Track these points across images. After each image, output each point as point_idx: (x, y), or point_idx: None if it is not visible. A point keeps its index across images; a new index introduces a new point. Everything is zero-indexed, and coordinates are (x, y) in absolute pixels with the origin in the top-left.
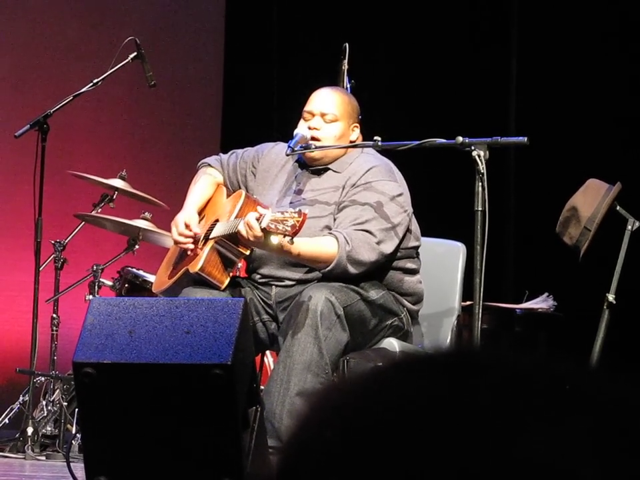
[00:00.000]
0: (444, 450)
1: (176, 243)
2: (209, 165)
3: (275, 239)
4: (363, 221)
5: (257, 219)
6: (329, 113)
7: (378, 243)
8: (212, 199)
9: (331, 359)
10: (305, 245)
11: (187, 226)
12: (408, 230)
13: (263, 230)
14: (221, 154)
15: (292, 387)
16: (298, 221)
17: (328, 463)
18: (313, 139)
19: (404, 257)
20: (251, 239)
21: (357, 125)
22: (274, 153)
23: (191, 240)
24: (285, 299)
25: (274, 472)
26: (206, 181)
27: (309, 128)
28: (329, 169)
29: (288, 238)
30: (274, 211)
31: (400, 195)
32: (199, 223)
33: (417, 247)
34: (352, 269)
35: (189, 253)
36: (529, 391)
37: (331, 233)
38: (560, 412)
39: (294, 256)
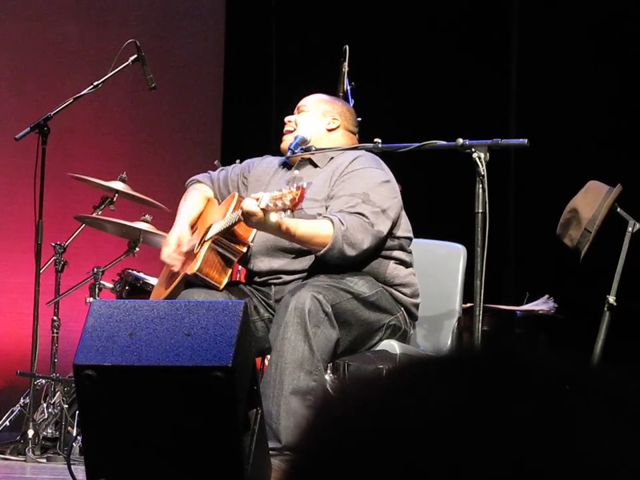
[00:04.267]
0: (499, 454)
1: (165, 261)
2: (198, 181)
3: (274, 217)
4: (354, 204)
5: (256, 201)
6: (301, 105)
7: (371, 225)
8: (203, 213)
9: (322, 356)
10: (302, 226)
11: (179, 245)
12: (399, 220)
13: (263, 210)
14: (209, 171)
15: (285, 387)
16: (297, 195)
17: (347, 471)
18: (285, 132)
19: (396, 247)
20: (252, 220)
21: (338, 120)
22: (265, 163)
23: (180, 261)
24: (284, 295)
25: (280, 474)
26: (196, 196)
27: (286, 123)
28: (310, 161)
29: (289, 212)
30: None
31: (387, 181)
32: (191, 235)
33: (409, 239)
34: (348, 250)
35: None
36: (576, 392)
37: (325, 216)
38: (603, 410)
39: (292, 235)
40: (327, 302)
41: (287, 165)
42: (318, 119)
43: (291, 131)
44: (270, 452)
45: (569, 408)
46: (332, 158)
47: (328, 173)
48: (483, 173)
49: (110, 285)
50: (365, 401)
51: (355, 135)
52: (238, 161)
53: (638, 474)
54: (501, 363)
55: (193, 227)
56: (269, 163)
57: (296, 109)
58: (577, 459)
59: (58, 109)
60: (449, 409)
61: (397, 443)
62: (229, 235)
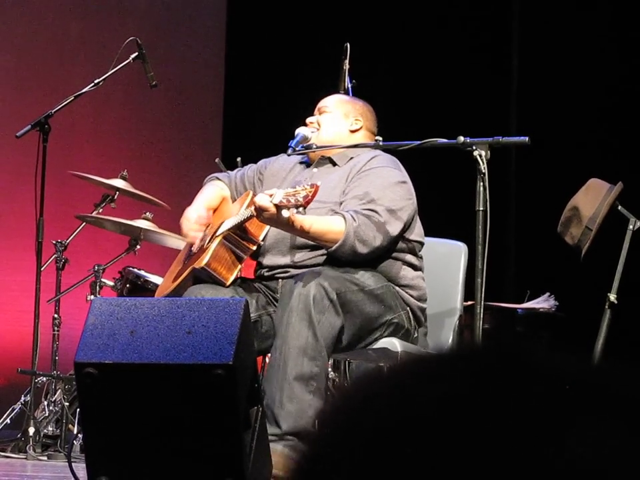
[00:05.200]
0: (490, 446)
1: (188, 235)
2: (217, 177)
3: (286, 213)
4: (369, 200)
5: (269, 197)
6: (322, 106)
7: (383, 224)
8: (217, 210)
9: (326, 342)
10: (314, 221)
11: (199, 217)
12: (412, 224)
13: (276, 206)
14: (228, 171)
15: (289, 372)
16: (310, 192)
17: (358, 466)
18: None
19: (408, 250)
20: (265, 215)
21: (360, 120)
22: (282, 160)
23: (201, 233)
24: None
25: (276, 458)
26: (212, 191)
27: (309, 124)
28: (330, 160)
29: (301, 208)
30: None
31: (404, 182)
32: (205, 230)
33: (420, 243)
34: (360, 247)
35: (194, 250)
36: (572, 390)
37: (337, 213)
38: (605, 410)
39: (304, 232)
40: (332, 289)
41: (305, 163)
42: (340, 119)
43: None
44: (270, 437)
45: (564, 405)
46: (352, 158)
47: (345, 170)
48: (483, 171)
49: (111, 283)
50: (369, 398)
51: (375, 135)
52: (239, 159)
53: (633, 474)
54: (500, 359)
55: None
56: (286, 160)
57: (317, 109)
58: (566, 455)
59: (59, 107)
60: (448, 403)
61: (397, 438)
62: (240, 231)
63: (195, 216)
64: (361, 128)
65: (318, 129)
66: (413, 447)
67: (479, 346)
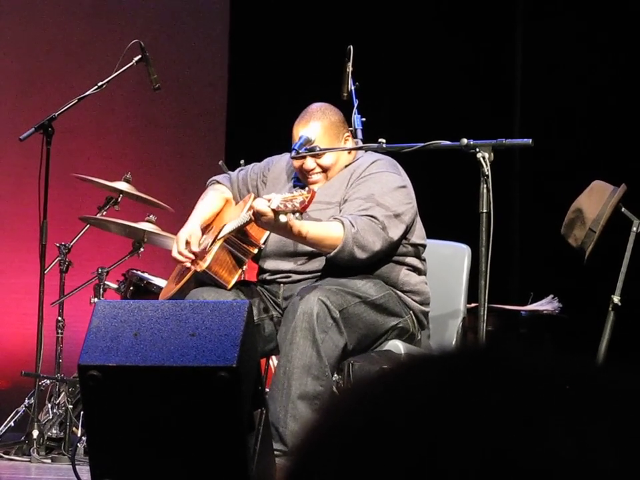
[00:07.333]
0: (461, 450)
1: (174, 260)
2: (217, 181)
3: (283, 218)
4: (367, 207)
5: (267, 202)
6: (318, 152)
7: (382, 229)
8: (220, 212)
9: (330, 361)
10: (312, 227)
11: (188, 243)
12: (413, 226)
13: (273, 210)
14: (230, 172)
15: (293, 392)
16: (307, 197)
17: (339, 469)
18: (311, 182)
19: (410, 254)
20: (263, 220)
21: (347, 132)
22: (284, 161)
23: (189, 259)
24: (292, 294)
25: (280, 475)
26: (213, 196)
27: (306, 171)
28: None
29: (297, 214)
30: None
31: (403, 187)
32: (207, 233)
33: (423, 246)
34: (358, 253)
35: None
36: (547, 387)
37: (336, 218)
38: (580, 407)
39: (302, 237)
40: (334, 307)
41: None
42: (336, 145)
43: (321, 177)
44: (275, 452)
45: (533, 405)
46: (350, 163)
47: (345, 175)
48: (487, 173)
49: (114, 286)
50: (353, 401)
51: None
52: (242, 161)
53: (615, 471)
54: (482, 358)
55: (208, 226)
56: (288, 161)
57: (308, 155)
58: (536, 456)
59: (62, 110)
60: (427, 402)
61: (380, 438)
62: (241, 234)
63: (183, 244)
64: (349, 133)
65: (322, 171)
66: (390, 450)
67: (461, 347)
